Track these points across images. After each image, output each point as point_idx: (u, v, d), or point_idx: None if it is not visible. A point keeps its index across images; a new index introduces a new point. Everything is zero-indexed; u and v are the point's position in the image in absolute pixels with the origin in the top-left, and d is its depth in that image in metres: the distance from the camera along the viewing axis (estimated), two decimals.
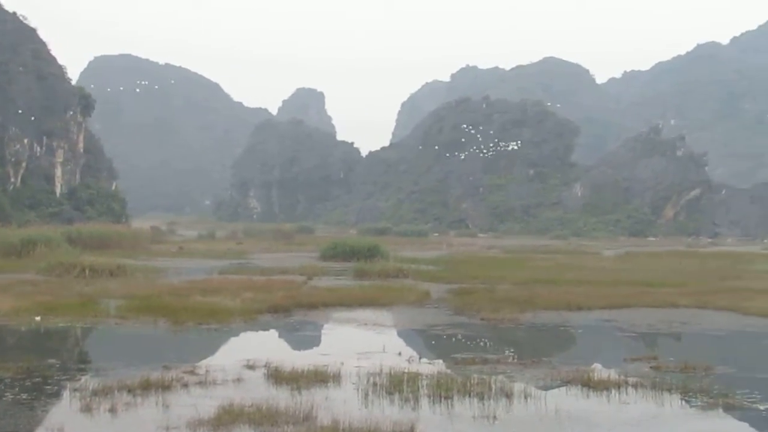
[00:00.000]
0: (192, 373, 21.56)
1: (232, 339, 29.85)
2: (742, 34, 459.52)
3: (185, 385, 20.12)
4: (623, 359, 25.15)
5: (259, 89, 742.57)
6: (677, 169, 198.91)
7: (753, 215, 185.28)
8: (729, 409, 18.81)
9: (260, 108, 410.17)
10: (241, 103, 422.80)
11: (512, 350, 27.41)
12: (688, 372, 22.79)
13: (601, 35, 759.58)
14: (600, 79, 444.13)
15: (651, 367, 23.56)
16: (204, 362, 23.45)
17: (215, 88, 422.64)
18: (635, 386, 20.57)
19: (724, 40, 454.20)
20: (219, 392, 19.38)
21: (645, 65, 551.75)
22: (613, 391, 20.15)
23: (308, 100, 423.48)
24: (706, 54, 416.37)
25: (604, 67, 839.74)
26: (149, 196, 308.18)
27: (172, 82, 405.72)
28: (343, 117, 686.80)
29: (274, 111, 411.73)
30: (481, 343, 28.78)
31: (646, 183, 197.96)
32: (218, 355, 26.19)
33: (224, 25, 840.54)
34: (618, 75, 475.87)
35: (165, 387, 19.63)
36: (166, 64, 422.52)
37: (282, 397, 18.58)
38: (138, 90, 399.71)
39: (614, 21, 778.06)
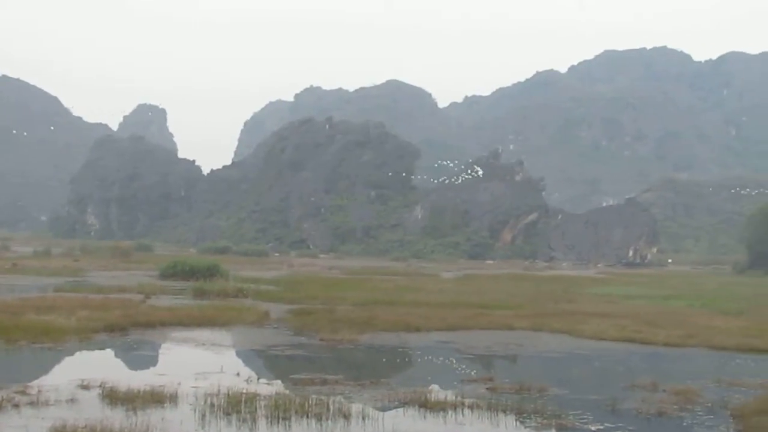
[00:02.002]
0: (23, 393, 21.07)
1: (67, 358, 29.27)
2: (580, 63, 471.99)
3: (16, 406, 19.66)
4: (460, 380, 25.48)
5: (100, 105, 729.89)
6: (515, 193, 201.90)
7: (587, 240, 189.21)
8: (562, 429, 19.21)
9: (100, 123, 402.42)
10: (80, 118, 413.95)
11: (351, 371, 27.51)
12: (523, 393, 23.21)
13: (444, 60, 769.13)
14: (442, 103, 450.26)
15: (487, 389, 23.91)
16: (36, 382, 22.93)
17: (54, 101, 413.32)
18: (471, 407, 20.84)
19: (563, 68, 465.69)
20: (51, 413, 18.99)
21: (486, 91, 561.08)
22: (450, 412, 20.38)
23: (150, 116, 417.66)
24: (544, 81, 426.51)
25: (446, 92, 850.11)
26: None
27: (8, 94, 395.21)
28: (185, 135, 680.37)
29: (114, 127, 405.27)
30: (320, 364, 28.78)
31: (485, 206, 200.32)
32: (51, 374, 25.65)
33: (65, 40, 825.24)
34: (459, 99, 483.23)
35: None
36: (3, 76, 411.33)
37: (117, 418, 18.30)
38: None
39: (456, 46, 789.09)
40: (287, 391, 22.36)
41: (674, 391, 23.93)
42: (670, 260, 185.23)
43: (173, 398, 20.87)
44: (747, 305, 54.87)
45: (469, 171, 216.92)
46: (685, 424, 20.37)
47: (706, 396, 23.65)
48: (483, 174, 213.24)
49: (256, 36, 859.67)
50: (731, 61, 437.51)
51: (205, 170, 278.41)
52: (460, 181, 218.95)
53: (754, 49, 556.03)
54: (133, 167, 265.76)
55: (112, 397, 20.80)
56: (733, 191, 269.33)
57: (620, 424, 19.88)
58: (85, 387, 22.28)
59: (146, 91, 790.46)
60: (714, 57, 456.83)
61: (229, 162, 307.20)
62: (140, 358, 30.05)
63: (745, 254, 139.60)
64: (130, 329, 35.35)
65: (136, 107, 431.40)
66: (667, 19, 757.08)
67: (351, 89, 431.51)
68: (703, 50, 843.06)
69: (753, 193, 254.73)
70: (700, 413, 21.48)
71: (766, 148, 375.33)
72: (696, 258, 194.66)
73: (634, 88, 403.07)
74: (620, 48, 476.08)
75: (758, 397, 22.73)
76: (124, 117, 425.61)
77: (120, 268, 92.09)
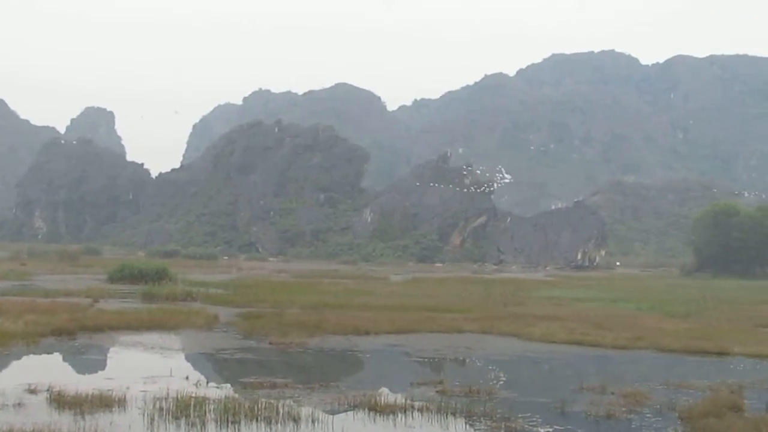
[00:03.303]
0: None
1: (14, 362, 29.00)
2: (528, 67, 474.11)
3: None
4: (410, 383, 25.43)
5: (48, 108, 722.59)
6: (464, 196, 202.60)
7: (535, 243, 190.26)
8: None
9: (48, 126, 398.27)
10: (27, 121, 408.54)
11: (300, 374, 27.46)
12: (473, 396, 23.24)
13: (393, 63, 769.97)
14: (391, 106, 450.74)
15: (437, 392, 23.90)
16: None
17: (0, 104, 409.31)
18: (421, 410, 20.85)
19: (511, 72, 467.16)
20: None
21: (435, 94, 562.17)
22: (400, 415, 20.38)
23: (98, 119, 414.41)
24: (493, 85, 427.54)
25: (395, 95, 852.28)
26: None
27: None
28: (134, 138, 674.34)
29: (62, 129, 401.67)
30: (270, 368, 28.71)
31: (434, 210, 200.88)
32: None
33: (11, 41, 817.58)
34: (408, 103, 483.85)
35: None
36: None
37: (65, 422, 18.15)
38: None
39: (405, 50, 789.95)
40: (236, 395, 22.27)
41: (623, 394, 24.07)
42: (618, 263, 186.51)
43: (122, 402, 20.72)
44: (694, 308, 55.35)
45: (499, 175, 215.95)
46: (633, 426, 20.49)
47: (654, 398, 23.79)
48: (432, 177, 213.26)
49: (205, 38, 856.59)
50: (678, 64, 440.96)
51: (154, 173, 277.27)
52: (409, 184, 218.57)
53: (700, 53, 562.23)
54: (81, 170, 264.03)
55: (59, 401, 20.63)
56: (677, 193, 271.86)
57: (569, 427, 19.98)
58: (32, 391, 22.09)
59: (94, 94, 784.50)
60: (661, 60, 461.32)
61: (177, 165, 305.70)
62: (88, 362, 29.79)
63: (692, 257, 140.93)
64: (78, 333, 35.01)
65: (83, 110, 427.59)
66: (614, 23, 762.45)
67: (300, 92, 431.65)
68: (650, 54, 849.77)
69: (699, 196, 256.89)
70: (648, 415, 21.61)
71: (712, 152, 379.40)
72: (644, 261, 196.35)
73: (581, 91, 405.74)
74: (568, 51, 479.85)
75: (706, 399, 22.89)
76: (72, 120, 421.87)
77: (68, 271, 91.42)
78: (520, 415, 20.65)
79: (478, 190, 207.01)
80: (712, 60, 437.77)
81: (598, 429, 20.22)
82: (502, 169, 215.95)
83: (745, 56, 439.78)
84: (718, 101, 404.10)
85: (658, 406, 22.71)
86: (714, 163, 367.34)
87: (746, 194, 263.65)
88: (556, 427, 19.91)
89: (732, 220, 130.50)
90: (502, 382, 26.15)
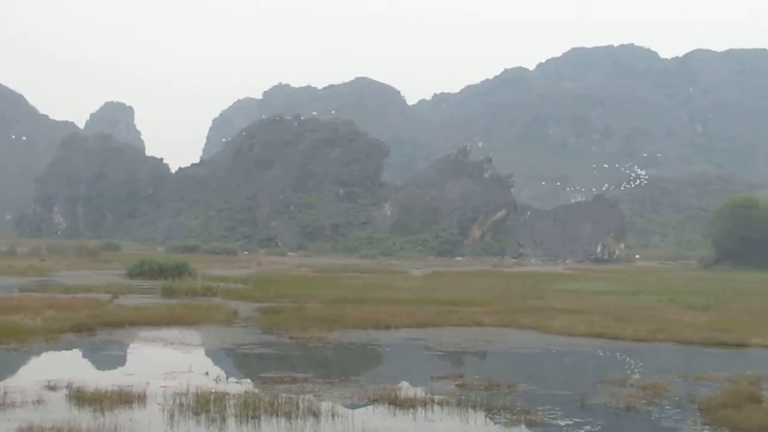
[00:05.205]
0: None
1: (33, 359, 29.06)
2: (548, 61, 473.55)
3: None
4: (430, 377, 25.43)
5: (66, 103, 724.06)
6: (484, 190, 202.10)
7: (555, 236, 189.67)
8: (531, 425, 19.24)
9: (67, 121, 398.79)
10: (46, 116, 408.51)
11: (320, 369, 27.48)
12: (493, 389, 23.22)
13: (412, 57, 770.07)
14: (411, 100, 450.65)
15: (457, 385, 23.88)
16: (2, 383, 22.66)
17: (19, 99, 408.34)
18: (441, 404, 20.85)
19: (531, 66, 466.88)
20: (18, 414, 18.84)
21: (455, 88, 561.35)
22: (420, 409, 20.38)
23: (117, 114, 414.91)
24: (512, 78, 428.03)
25: (415, 89, 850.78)
26: None
27: None
28: (153, 133, 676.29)
29: (81, 125, 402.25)
30: (290, 362, 28.70)
31: (454, 203, 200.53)
32: (17, 375, 25.43)
33: (31, 35, 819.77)
34: (428, 97, 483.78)
35: None
36: None
37: (84, 419, 18.18)
38: None
39: (425, 44, 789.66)
40: (256, 390, 22.28)
41: (642, 386, 24.06)
42: (637, 256, 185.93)
43: (141, 398, 20.76)
44: (713, 300, 55.20)
45: (438, 168, 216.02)
46: (652, 418, 20.46)
47: (673, 390, 23.78)
48: (452, 171, 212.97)
49: (225, 33, 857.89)
50: (697, 58, 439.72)
51: (173, 168, 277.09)
52: (429, 178, 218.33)
53: (719, 47, 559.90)
54: (100, 165, 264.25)
55: (79, 397, 20.66)
56: (696, 186, 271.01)
57: (589, 419, 19.94)
58: (52, 388, 22.12)
59: (113, 89, 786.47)
60: (680, 54, 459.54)
61: (197, 160, 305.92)
62: (108, 358, 29.81)
63: (711, 249, 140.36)
64: (98, 329, 35.07)
65: (103, 105, 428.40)
66: (633, 17, 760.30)
67: (320, 87, 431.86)
68: (669, 48, 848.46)
69: (718, 189, 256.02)
70: (667, 407, 21.58)
71: (731, 145, 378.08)
72: (663, 253, 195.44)
73: (601, 85, 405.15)
74: (588, 45, 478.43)
75: (725, 391, 22.85)
76: (91, 115, 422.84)
77: (87, 267, 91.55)
78: (540, 408, 20.64)
79: (498, 184, 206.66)
80: (730, 54, 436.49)
81: (618, 421, 20.21)
82: (638, 169, 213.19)
83: (764, 50, 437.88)
84: (737, 95, 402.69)
85: (678, 398, 22.71)
86: (733, 157, 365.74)
87: (765, 187, 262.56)
88: (576, 419, 19.89)
89: (751, 212, 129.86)
90: (522, 376, 26.09)
